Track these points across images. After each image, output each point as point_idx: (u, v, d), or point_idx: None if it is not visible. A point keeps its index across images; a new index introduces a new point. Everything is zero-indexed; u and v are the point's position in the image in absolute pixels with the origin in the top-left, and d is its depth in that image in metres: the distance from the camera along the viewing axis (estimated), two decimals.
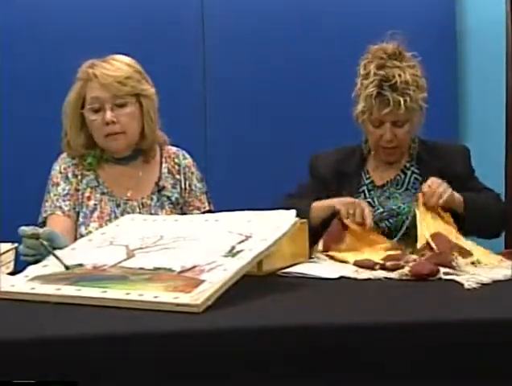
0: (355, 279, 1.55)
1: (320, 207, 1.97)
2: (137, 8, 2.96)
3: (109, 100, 1.96)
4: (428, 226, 1.80)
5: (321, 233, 1.89)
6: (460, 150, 2.14)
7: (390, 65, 1.97)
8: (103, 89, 1.95)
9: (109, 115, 1.95)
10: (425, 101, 2.04)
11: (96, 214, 1.99)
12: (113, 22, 2.93)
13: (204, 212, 2.04)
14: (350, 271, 1.61)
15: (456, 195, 1.90)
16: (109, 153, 2.04)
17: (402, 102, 1.94)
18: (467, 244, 1.76)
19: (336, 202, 1.93)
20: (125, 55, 2.02)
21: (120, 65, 1.98)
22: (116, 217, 1.94)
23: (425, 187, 1.87)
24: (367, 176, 2.11)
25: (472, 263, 1.63)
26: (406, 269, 1.54)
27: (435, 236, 1.75)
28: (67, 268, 1.44)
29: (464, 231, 1.87)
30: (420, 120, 2.06)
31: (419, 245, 1.76)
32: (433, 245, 1.71)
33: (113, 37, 2.81)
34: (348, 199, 1.94)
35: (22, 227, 1.59)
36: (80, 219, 1.99)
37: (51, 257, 1.50)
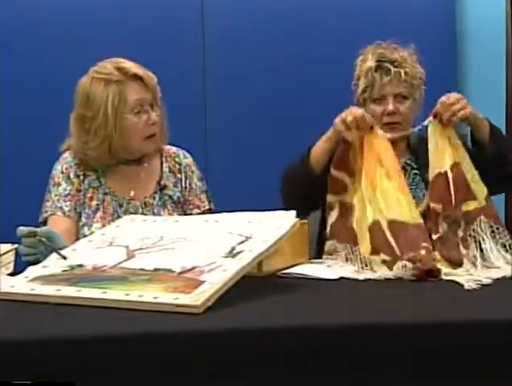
0: (355, 279, 1.55)
1: (317, 147, 1.94)
2: (137, 8, 2.96)
3: (149, 102, 1.96)
4: (449, 155, 1.78)
5: (325, 181, 1.87)
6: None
7: (387, 48, 2.04)
8: (146, 90, 1.95)
9: (154, 116, 1.95)
10: (424, 83, 2.07)
11: (99, 214, 1.98)
12: (113, 23, 2.92)
13: (204, 211, 2.04)
14: (350, 272, 1.61)
15: (480, 115, 1.87)
16: (123, 157, 2.01)
17: (402, 73, 1.99)
18: (476, 182, 1.77)
19: (329, 131, 1.91)
20: (126, 55, 2.02)
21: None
22: (119, 217, 1.93)
23: (441, 99, 1.84)
24: None
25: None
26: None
27: (454, 166, 1.77)
28: (64, 258, 1.46)
29: (484, 165, 1.84)
30: (421, 101, 2.08)
31: (431, 176, 1.78)
32: (450, 178, 1.74)
33: (113, 37, 2.81)
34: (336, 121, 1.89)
35: (20, 228, 1.59)
36: (83, 220, 1.98)
37: (51, 258, 1.50)
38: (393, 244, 1.66)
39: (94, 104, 1.93)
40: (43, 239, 1.56)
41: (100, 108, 1.92)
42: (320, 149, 1.94)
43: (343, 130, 1.83)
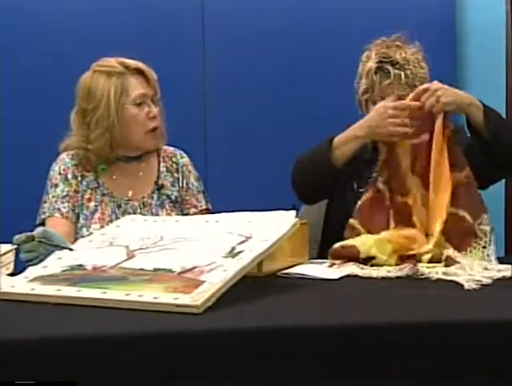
0: (355, 279, 1.55)
1: (343, 140, 1.97)
2: (137, 8, 2.96)
3: (151, 97, 1.99)
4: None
5: (343, 171, 1.95)
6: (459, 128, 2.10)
7: (391, 46, 2.02)
8: (148, 85, 1.98)
9: (155, 109, 1.98)
10: (428, 82, 2.02)
11: (97, 215, 1.98)
12: (114, 23, 2.92)
13: (201, 211, 2.05)
14: (350, 271, 1.61)
15: (467, 100, 1.86)
16: (122, 154, 2.02)
17: (402, 76, 1.97)
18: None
19: (357, 129, 1.94)
20: (126, 55, 2.02)
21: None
22: (117, 218, 1.93)
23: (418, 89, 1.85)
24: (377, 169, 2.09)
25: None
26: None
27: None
28: (70, 249, 1.50)
29: (487, 152, 1.84)
30: None
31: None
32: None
33: (113, 37, 2.81)
34: (366, 122, 1.93)
35: (16, 236, 1.56)
36: (81, 221, 1.98)
37: (51, 258, 1.50)
38: None
39: (96, 95, 1.95)
40: (42, 240, 1.56)
41: (101, 98, 1.94)
42: (348, 148, 1.95)
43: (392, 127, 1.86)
